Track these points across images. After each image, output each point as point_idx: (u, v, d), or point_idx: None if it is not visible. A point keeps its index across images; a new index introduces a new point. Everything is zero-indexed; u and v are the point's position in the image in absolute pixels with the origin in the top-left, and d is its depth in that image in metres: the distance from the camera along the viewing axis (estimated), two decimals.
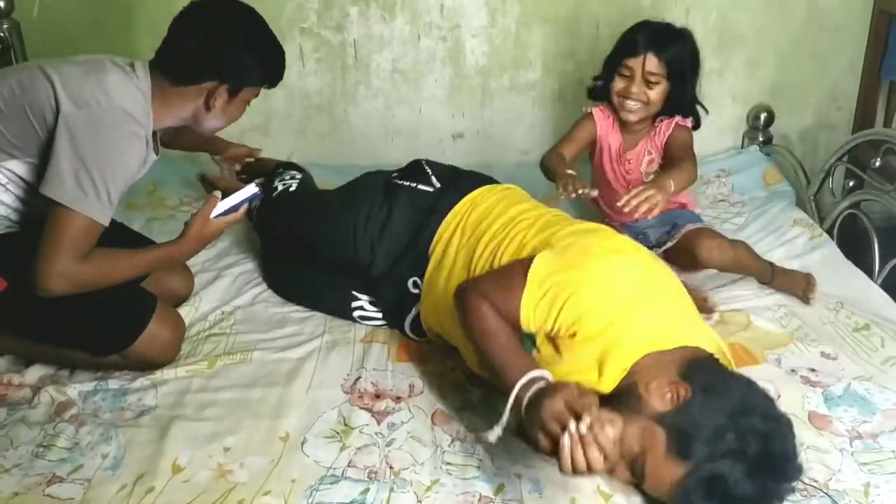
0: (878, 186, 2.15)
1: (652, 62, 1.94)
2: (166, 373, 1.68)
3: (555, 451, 1.20)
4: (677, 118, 2.04)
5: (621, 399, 1.36)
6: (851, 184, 2.30)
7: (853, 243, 2.17)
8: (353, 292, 1.87)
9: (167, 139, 1.88)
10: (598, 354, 1.40)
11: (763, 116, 2.67)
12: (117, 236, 1.69)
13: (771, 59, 2.67)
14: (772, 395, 1.36)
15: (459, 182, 1.85)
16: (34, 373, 1.70)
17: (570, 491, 1.40)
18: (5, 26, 2.50)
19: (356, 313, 1.87)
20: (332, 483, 1.40)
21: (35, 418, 1.56)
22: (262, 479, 1.41)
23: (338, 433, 1.52)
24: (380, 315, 1.86)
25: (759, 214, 2.33)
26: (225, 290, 1.99)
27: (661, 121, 2.06)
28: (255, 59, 1.62)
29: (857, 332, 1.84)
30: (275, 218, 2.06)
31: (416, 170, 1.92)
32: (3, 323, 1.70)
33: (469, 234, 1.72)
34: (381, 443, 1.51)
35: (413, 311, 1.78)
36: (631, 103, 1.99)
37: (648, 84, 1.96)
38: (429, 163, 1.94)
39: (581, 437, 1.17)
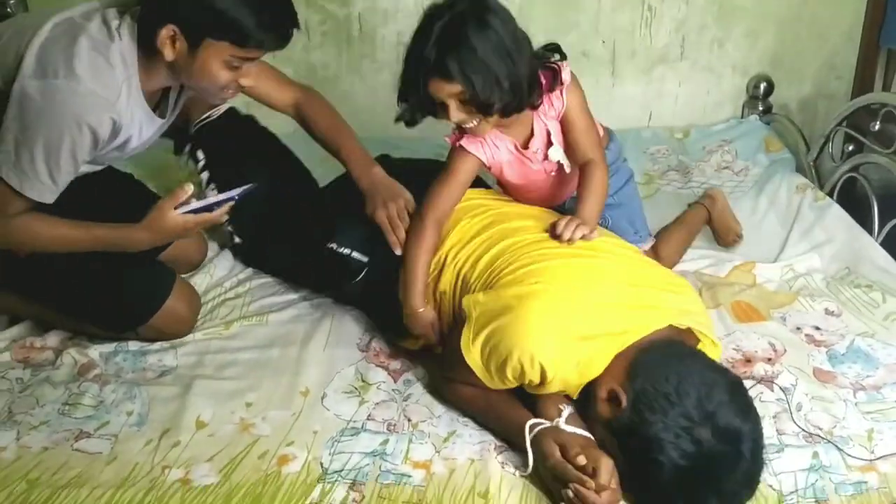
0: (878, 150, 2.19)
1: (443, 87, 1.45)
2: (184, 336, 1.71)
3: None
4: (561, 83, 1.57)
5: (586, 399, 1.38)
6: (851, 148, 2.33)
7: (852, 207, 2.20)
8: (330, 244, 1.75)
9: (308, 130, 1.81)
10: (572, 381, 1.39)
11: (763, 86, 2.70)
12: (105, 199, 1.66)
13: (770, 29, 2.70)
14: (728, 381, 1.30)
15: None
16: (55, 336, 1.73)
17: None
18: (11, 0, 2.51)
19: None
20: (352, 435, 1.44)
21: (59, 378, 1.60)
22: (285, 432, 1.45)
23: (356, 388, 1.57)
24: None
25: (763, 181, 2.37)
26: (234, 262, 2.00)
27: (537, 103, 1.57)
28: (217, 3, 1.36)
29: (858, 289, 1.88)
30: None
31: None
32: (24, 289, 1.72)
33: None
34: (398, 398, 1.55)
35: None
36: (469, 127, 1.55)
37: (464, 103, 1.48)
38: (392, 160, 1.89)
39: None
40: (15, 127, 1.39)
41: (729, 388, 1.29)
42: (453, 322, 1.55)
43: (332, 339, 1.70)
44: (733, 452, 1.23)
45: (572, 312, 1.38)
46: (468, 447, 1.42)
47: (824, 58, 2.74)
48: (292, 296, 1.87)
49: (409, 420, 1.48)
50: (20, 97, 1.38)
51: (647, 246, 1.92)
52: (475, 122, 1.53)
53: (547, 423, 1.35)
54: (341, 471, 1.36)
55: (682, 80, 2.75)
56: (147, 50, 1.44)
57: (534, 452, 1.33)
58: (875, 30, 2.58)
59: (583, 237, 1.51)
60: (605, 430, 1.33)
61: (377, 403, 1.53)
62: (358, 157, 1.76)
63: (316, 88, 1.93)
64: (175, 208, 1.50)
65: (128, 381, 1.59)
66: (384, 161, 1.85)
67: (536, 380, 1.36)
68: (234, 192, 1.54)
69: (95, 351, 1.67)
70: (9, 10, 2.52)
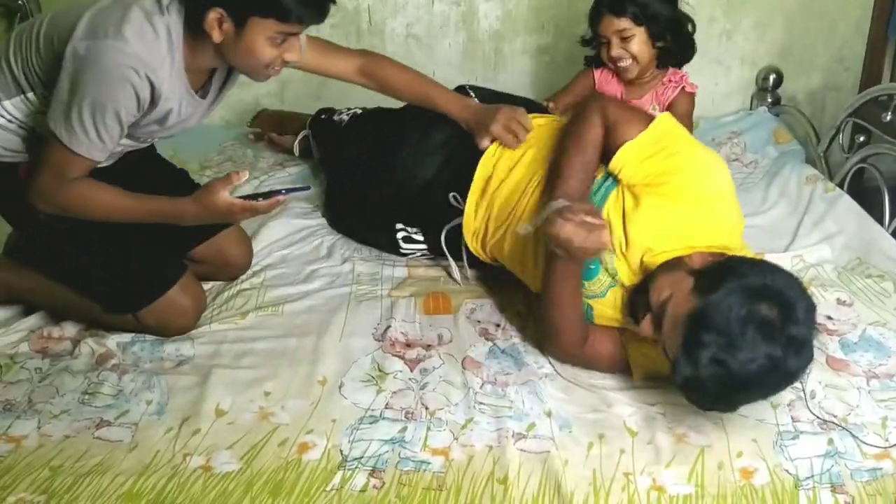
0: (888, 140, 2.19)
1: (613, 22, 2.02)
2: (201, 328, 1.72)
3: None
4: (685, 83, 2.12)
5: (666, 266, 1.46)
6: (861, 139, 2.33)
7: (863, 198, 2.21)
8: (398, 224, 1.94)
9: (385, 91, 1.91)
10: (675, 219, 1.51)
11: (772, 78, 2.71)
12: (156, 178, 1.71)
13: (779, 21, 2.70)
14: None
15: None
16: (71, 326, 1.75)
17: (598, 428, 1.46)
18: None
19: (400, 234, 1.94)
20: (371, 423, 1.45)
21: (78, 367, 1.61)
22: (304, 420, 1.46)
23: (373, 377, 1.58)
24: (422, 238, 1.93)
25: (773, 173, 2.37)
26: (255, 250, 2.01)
27: (670, 80, 2.13)
28: None
29: (869, 279, 1.88)
30: (349, 135, 2.13)
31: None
32: (35, 254, 1.73)
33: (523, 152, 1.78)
34: (415, 387, 1.56)
35: (451, 224, 1.83)
36: (621, 64, 2.08)
37: (624, 41, 2.04)
38: (473, 87, 2.02)
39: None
40: (66, 86, 1.44)
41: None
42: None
43: (348, 329, 1.71)
44: (799, 344, 1.29)
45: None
46: (486, 434, 1.44)
47: (833, 49, 2.74)
48: (307, 286, 1.87)
49: (427, 408, 1.49)
50: (72, 57, 1.43)
51: None
52: (628, 62, 2.06)
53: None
54: (361, 458, 1.37)
55: (692, 73, 2.72)
56: (193, 30, 1.48)
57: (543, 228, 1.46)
58: (883, 21, 2.59)
59: None
60: (687, 273, 1.39)
61: (394, 392, 1.54)
62: (450, 97, 1.88)
63: (325, 80, 1.96)
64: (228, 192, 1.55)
65: (146, 371, 1.60)
66: (465, 90, 1.99)
67: (667, 173, 1.52)
68: (285, 188, 1.59)
69: (113, 341, 1.68)
70: (19, 2, 2.52)
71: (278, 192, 1.57)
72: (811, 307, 1.33)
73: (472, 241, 1.82)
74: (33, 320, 1.77)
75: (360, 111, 2.20)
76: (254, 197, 1.57)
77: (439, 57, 2.71)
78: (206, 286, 1.85)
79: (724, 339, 1.26)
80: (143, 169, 1.74)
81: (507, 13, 2.66)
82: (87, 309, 1.73)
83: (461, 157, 1.83)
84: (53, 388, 1.56)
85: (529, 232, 1.57)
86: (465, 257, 1.85)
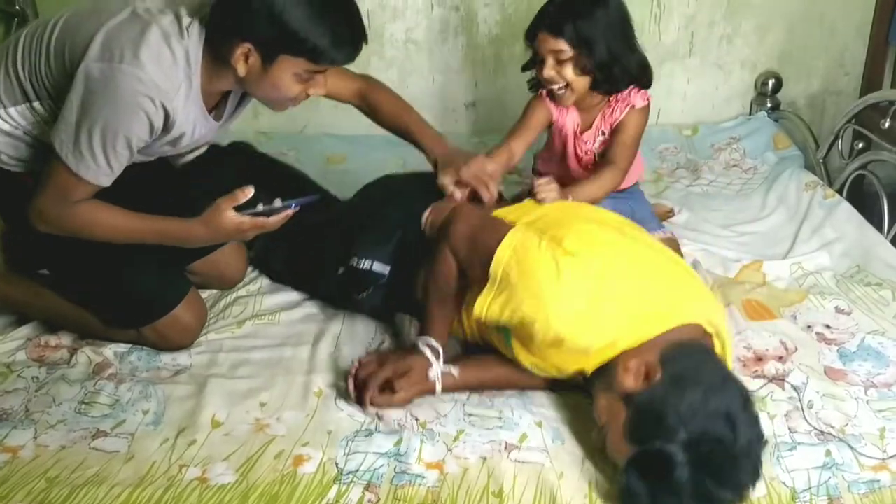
0: (887, 147, 2.19)
1: (549, 41, 1.75)
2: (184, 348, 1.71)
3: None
4: (634, 101, 1.85)
5: (603, 372, 1.40)
6: (861, 145, 2.33)
7: (862, 204, 2.21)
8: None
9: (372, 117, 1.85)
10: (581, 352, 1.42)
11: (771, 83, 2.70)
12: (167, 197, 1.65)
13: (780, 25, 2.69)
14: (746, 395, 1.32)
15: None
16: (68, 335, 1.74)
17: (591, 441, 1.45)
18: None
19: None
20: (366, 436, 1.45)
21: (75, 377, 1.61)
22: (300, 432, 1.46)
23: None
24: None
25: (772, 178, 2.37)
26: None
27: (617, 99, 1.86)
28: (293, 23, 1.37)
29: (868, 287, 1.88)
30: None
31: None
32: (34, 264, 1.72)
33: None
34: None
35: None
36: (554, 88, 1.81)
37: (560, 64, 1.77)
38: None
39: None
40: (76, 108, 1.40)
41: (753, 405, 1.33)
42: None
43: (343, 341, 1.71)
44: (750, 459, 1.26)
45: (606, 291, 1.40)
46: (479, 446, 1.43)
47: (833, 54, 2.73)
48: (304, 295, 1.87)
49: (417, 420, 1.49)
50: (84, 78, 1.39)
51: (664, 235, 1.98)
52: (561, 85, 1.80)
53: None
54: (356, 471, 1.37)
55: (691, 77, 2.76)
56: (214, 55, 1.45)
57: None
58: (884, 27, 2.58)
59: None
60: (620, 401, 1.33)
61: None
62: (428, 132, 1.80)
63: None
64: (235, 209, 1.52)
65: (143, 380, 1.60)
66: (385, 179, 1.93)
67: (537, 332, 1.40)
68: (294, 202, 1.55)
69: (110, 350, 1.68)
70: (17, 7, 2.52)
71: (288, 205, 1.54)
72: (751, 444, 1.27)
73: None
74: (30, 328, 1.77)
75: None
76: (264, 213, 1.54)
77: (438, 62, 2.71)
78: (204, 294, 1.84)
79: (663, 486, 1.24)
80: (150, 184, 1.67)
81: (506, 18, 2.66)
82: (84, 322, 1.72)
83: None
84: (50, 397, 1.56)
85: None
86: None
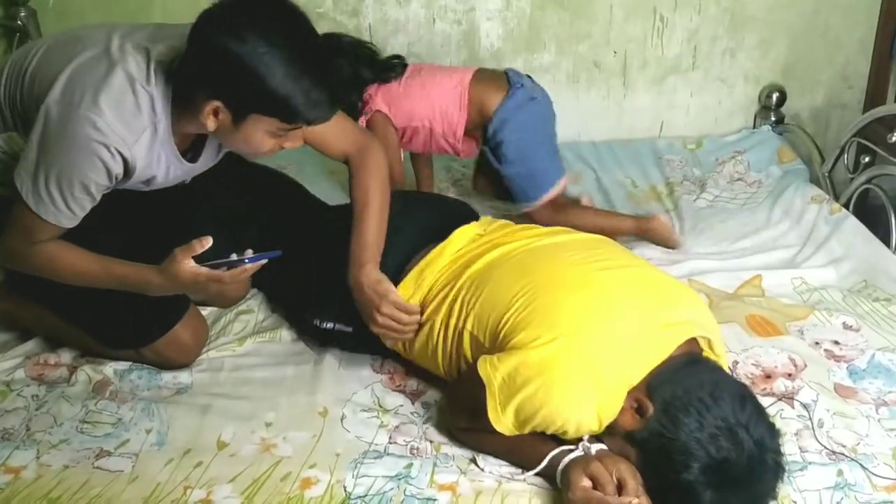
0: (894, 161, 2.17)
1: None
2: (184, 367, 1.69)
3: None
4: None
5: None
6: (867, 159, 2.32)
7: (868, 219, 2.20)
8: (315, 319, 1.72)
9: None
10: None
11: (775, 96, 2.69)
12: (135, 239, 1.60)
13: (783, 39, 2.69)
14: (742, 394, 1.31)
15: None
16: (68, 353, 1.73)
17: None
18: (22, 14, 2.51)
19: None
20: (375, 458, 1.42)
21: (75, 395, 1.60)
22: (307, 453, 1.44)
23: (375, 410, 1.55)
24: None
25: (777, 193, 2.36)
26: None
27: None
28: (265, 84, 1.30)
29: (876, 303, 1.87)
30: None
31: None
32: (36, 291, 1.68)
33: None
34: (418, 421, 1.53)
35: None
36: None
37: None
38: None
39: None
40: (35, 146, 1.37)
41: (752, 398, 1.32)
42: (461, 364, 1.52)
43: (346, 359, 1.69)
44: (764, 460, 1.24)
45: (597, 361, 1.35)
46: (495, 468, 1.40)
47: (837, 68, 2.73)
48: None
49: (431, 442, 1.47)
50: (44, 117, 1.36)
51: (532, 207, 2.09)
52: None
53: (576, 451, 1.34)
54: (365, 496, 1.34)
55: (694, 91, 2.75)
56: (183, 103, 1.39)
57: (562, 482, 1.32)
58: (888, 40, 2.58)
59: None
60: (625, 441, 1.32)
61: (397, 427, 1.51)
62: (357, 254, 1.60)
63: None
64: (197, 260, 1.42)
65: (144, 399, 1.58)
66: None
67: (573, 433, 1.36)
68: (249, 258, 1.42)
69: (110, 368, 1.66)
70: (19, 22, 2.51)
71: (241, 260, 1.42)
72: (761, 446, 1.25)
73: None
74: (30, 346, 1.75)
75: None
76: (226, 264, 1.43)
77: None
78: (204, 311, 1.82)
79: None
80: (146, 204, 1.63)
81: (508, 32, 2.65)
82: (85, 340, 1.70)
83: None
84: (51, 416, 1.54)
85: None
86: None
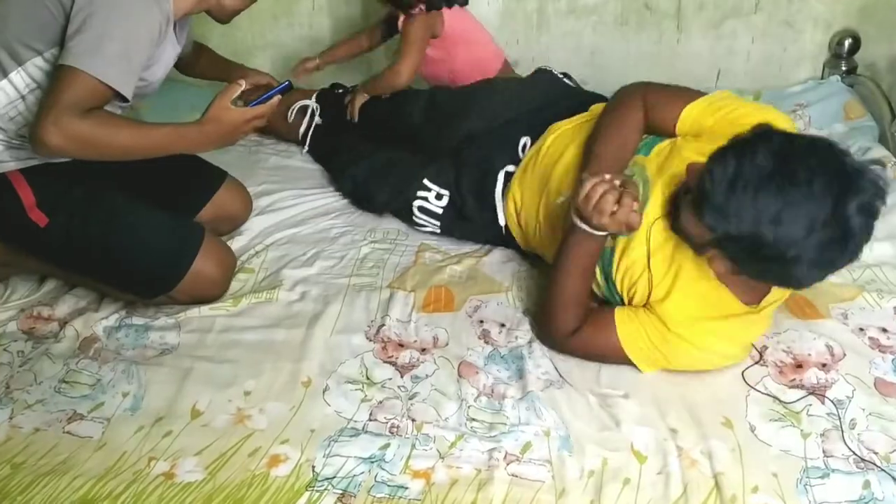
0: None
1: None
2: (190, 311, 1.64)
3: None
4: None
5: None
6: None
7: None
8: (425, 181, 1.87)
9: (188, 67, 1.86)
10: None
11: (847, 43, 2.43)
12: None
13: None
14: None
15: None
16: (64, 307, 1.69)
17: (602, 451, 1.32)
18: None
19: (416, 203, 1.87)
20: (351, 436, 1.35)
21: (58, 352, 1.56)
22: (281, 427, 1.37)
23: (360, 383, 1.47)
24: (440, 212, 1.86)
25: None
26: (258, 231, 1.92)
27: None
28: None
29: None
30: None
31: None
32: (50, 259, 1.68)
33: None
34: (403, 396, 1.44)
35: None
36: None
37: None
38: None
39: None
40: (92, 22, 1.41)
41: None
42: None
43: (340, 324, 1.60)
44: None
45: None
46: (475, 454, 1.31)
47: None
48: (306, 271, 1.77)
49: (413, 420, 1.38)
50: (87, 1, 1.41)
51: None
52: None
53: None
54: (333, 478, 1.26)
55: (756, 36, 2.50)
56: None
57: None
58: None
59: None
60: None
61: (380, 402, 1.42)
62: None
63: None
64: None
65: (126, 360, 1.53)
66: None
67: None
68: (277, 90, 1.62)
69: (100, 325, 1.61)
70: None
71: (274, 93, 1.60)
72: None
73: (512, 213, 1.77)
74: (28, 296, 1.72)
75: None
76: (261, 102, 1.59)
77: (478, 18, 2.51)
78: None
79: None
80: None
81: None
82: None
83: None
84: (32, 374, 1.50)
85: (564, 202, 1.52)
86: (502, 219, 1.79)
